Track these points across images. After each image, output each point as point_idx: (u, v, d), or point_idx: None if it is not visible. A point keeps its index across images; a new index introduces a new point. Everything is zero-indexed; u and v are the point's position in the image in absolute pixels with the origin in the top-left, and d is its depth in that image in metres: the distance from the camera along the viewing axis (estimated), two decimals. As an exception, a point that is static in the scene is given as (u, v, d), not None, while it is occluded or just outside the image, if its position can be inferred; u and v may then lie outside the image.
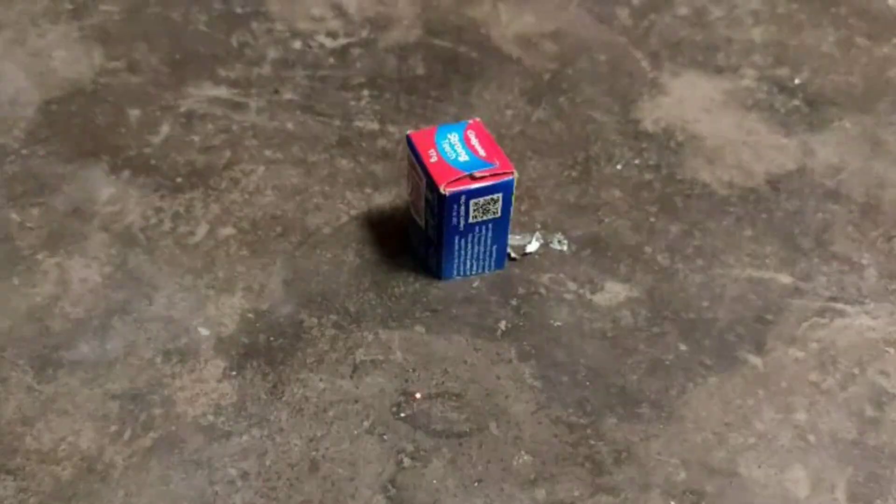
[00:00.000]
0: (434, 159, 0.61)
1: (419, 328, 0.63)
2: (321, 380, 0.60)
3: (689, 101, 0.81)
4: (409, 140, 0.63)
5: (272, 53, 0.84)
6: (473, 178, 0.60)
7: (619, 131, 0.78)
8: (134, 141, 0.76)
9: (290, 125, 0.78)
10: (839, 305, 0.65)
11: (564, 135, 0.78)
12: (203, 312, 0.63)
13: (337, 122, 0.78)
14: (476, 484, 0.55)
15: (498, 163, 0.61)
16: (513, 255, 0.67)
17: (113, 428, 0.57)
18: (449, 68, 0.84)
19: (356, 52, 0.85)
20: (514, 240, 0.68)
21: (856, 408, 0.59)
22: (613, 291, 0.66)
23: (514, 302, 0.65)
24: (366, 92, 0.81)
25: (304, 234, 0.69)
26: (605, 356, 0.62)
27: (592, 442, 0.57)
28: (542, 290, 0.65)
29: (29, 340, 0.61)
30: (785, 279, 0.67)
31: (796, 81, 0.83)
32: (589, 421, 0.58)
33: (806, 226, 0.71)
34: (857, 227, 0.71)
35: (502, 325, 0.63)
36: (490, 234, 0.63)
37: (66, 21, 0.87)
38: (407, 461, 0.56)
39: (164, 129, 0.77)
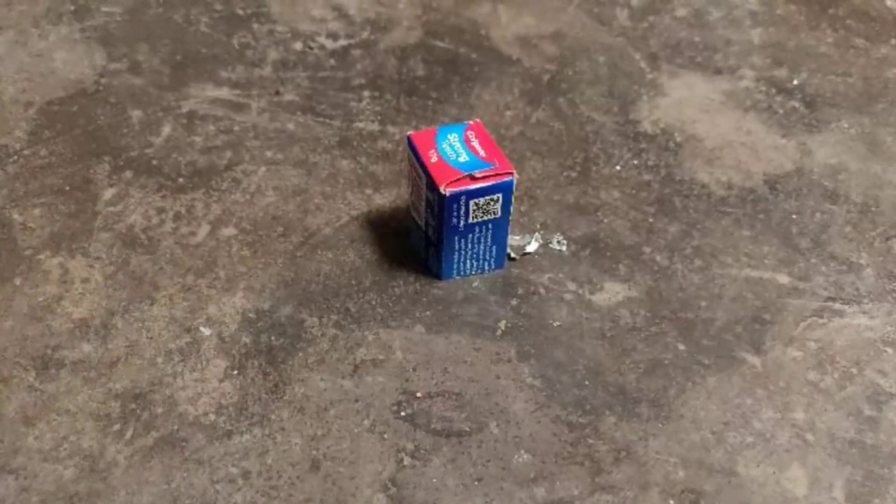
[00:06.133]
0: (434, 160, 0.61)
1: (419, 328, 0.63)
2: (322, 379, 0.60)
3: (687, 102, 0.82)
4: (409, 141, 0.63)
5: (273, 54, 0.85)
6: (474, 179, 0.60)
7: (618, 132, 0.78)
8: (136, 142, 0.76)
9: (290, 126, 0.78)
10: (837, 305, 0.65)
11: (564, 135, 0.78)
12: (204, 312, 0.63)
13: (337, 123, 0.78)
14: (476, 483, 0.55)
15: (498, 163, 0.61)
16: (512, 255, 0.67)
17: (115, 427, 0.57)
18: (449, 69, 0.84)
19: (357, 53, 0.85)
20: (513, 240, 0.68)
21: (854, 407, 0.60)
22: (612, 291, 0.66)
23: (513, 302, 0.65)
24: (366, 93, 0.81)
25: (304, 234, 0.69)
26: (604, 356, 0.62)
27: (591, 441, 0.57)
28: (542, 290, 0.66)
29: (31, 340, 0.61)
30: (783, 279, 0.67)
31: (794, 82, 0.84)
32: (588, 420, 0.58)
33: (804, 226, 0.71)
34: (855, 228, 0.71)
35: (502, 324, 0.63)
36: (490, 234, 0.63)
37: (68, 22, 0.88)
38: (407, 460, 0.56)
39: (166, 129, 0.77)
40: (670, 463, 0.56)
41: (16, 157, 0.74)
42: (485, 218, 0.62)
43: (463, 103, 0.81)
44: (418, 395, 0.59)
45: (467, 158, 0.61)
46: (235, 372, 0.60)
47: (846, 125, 0.80)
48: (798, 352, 0.63)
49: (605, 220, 0.71)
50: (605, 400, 0.59)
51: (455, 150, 0.62)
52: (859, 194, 0.74)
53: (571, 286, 0.66)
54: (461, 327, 0.63)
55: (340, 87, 0.82)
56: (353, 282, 0.66)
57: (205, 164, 0.74)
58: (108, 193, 0.72)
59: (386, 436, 0.57)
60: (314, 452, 0.56)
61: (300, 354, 0.61)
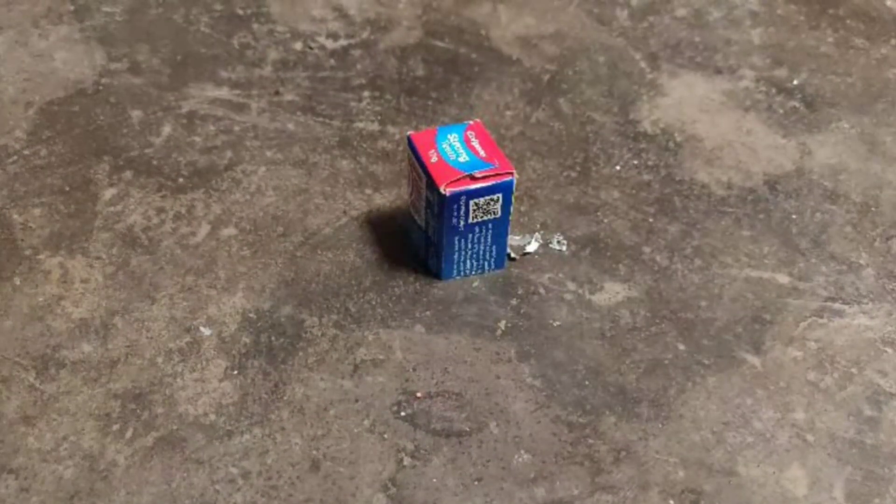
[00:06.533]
0: (434, 160, 0.61)
1: (419, 328, 0.63)
2: (322, 379, 0.60)
3: (687, 101, 0.82)
4: (409, 141, 0.63)
5: (273, 55, 0.85)
6: (473, 179, 0.60)
7: (618, 132, 0.78)
8: (136, 141, 0.76)
9: (290, 126, 0.78)
10: (837, 305, 0.65)
11: (564, 135, 0.78)
12: (205, 312, 0.63)
13: (337, 123, 0.78)
14: (476, 483, 0.55)
15: (498, 163, 0.61)
16: (513, 255, 0.67)
17: (115, 427, 0.57)
18: (449, 69, 0.84)
19: (357, 53, 0.85)
20: (513, 240, 0.68)
21: (854, 407, 0.60)
22: (612, 291, 0.66)
23: (513, 302, 0.65)
24: (366, 93, 0.81)
25: (304, 234, 0.69)
26: (604, 356, 0.62)
27: (591, 441, 0.57)
28: (542, 290, 0.66)
29: (31, 340, 0.61)
30: (783, 279, 0.67)
31: (794, 82, 0.84)
32: (588, 420, 0.58)
33: (804, 226, 0.71)
34: (855, 228, 0.71)
35: (502, 324, 0.63)
36: (490, 234, 0.63)
37: (68, 22, 0.88)
38: (407, 460, 0.56)
39: (166, 129, 0.77)
40: (670, 463, 0.56)
41: (16, 157, 0.74)
42: (485, 218, 0.62)
43: (463, 103, 0.81)
44: (418, 395, 0.59)
45: (467, 158, 0.61)
46: (235, 372, 0.60)
47: (846, 125, 0.80)
48: (798, 352, 0.63)
49: (605, 220, 0.71)
50: (605, 400, 0.59)
51: (455, 150, 0.62)
52: (859, 194, 0.74)
53: (571, 286, 0.66)
54: (461, 327, 0.63)
55: (340, 87, 0.82)
56: (353, 282, 0.66)
57: (205, 164, 0.74)
58: (108, 193, 0.72)
59: (386, 436, 0.57)
60: (314, 452, 0.56)
61: (300, 354, 0.61)
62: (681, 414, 0.59)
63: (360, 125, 0.78)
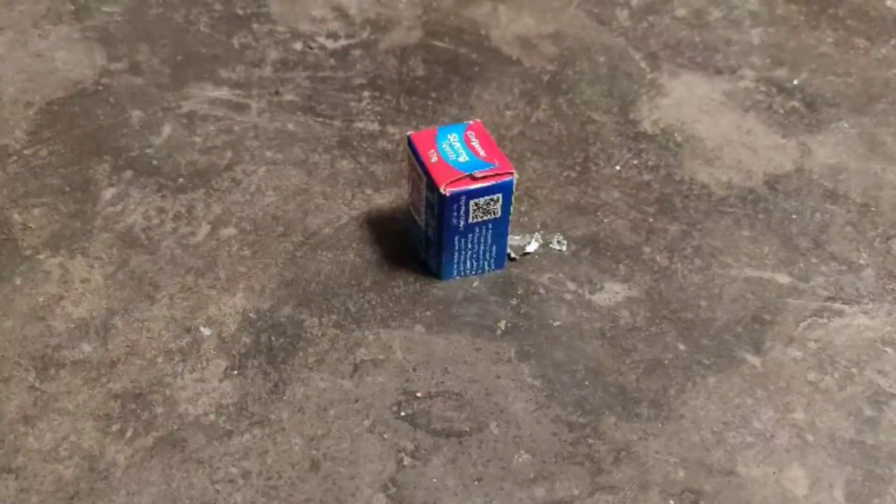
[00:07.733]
0: (434, 160, 0.61)
1: (419, 328, 0.63)
2: (322, 379, 0.60)
3: (687, 101, 0.82)
4: (409, 141, 0.63)
5: (273, 55, 0.85)
6: (474, 179, 0.60)
7: (618, 132, 0.78)
8: (136, 142, 0.76)
9: (290, 126, 0.78)
10: (837, 305, 0.65)
11: (564, 135, 0.78)
12: (205, 312, 0.63)
13: (337, 123, 0.78)
14: (476, 483, 0.55)
15: (498, 163, 0.61)
16: (513, 255, 0.67)
17: (115, 427, 0.57)
18: (449, 69, 0.84)
19: (357, 53, 0.85)
20: (513, 240, 0.68)
21: (854, 407, 0.60)
22: (612, 291, 0.66)
23: (513, 302, 0.65)
24: (366, 93, 0.81)
25: (304, 234, 0.69)
26: (604, 356, 0.62)
27: (591, 441, 0.57)
28: (542, 290, 0.66)
29: (31, 340, 0.61)
30: (783, 279, 0.67)
31: (794, 82, 0.84)
32: (588, 420, 0.58)
33: (804, 226, 0.71)
34: (855, 228, 0.71)
35: (502, 324, 0.63)
36: (490, 234, 0.63)
37: (68, 22, 0.88)
38: (407, 460, 0.56)
39: (166, 129, 0.77)
40: (670, 463, 0.56)
41: (16, 157, 0.74)
42: (485, 218, 0.62)
43: (463, 103, 0.81)
44: (418, 395, 0.59)
45: (467, 158, 0.61)
46: (235, 372, 0.60)
47: (846, 125, 0.80)
48: (798, 352, 0.63)
49: (605, 220, 0.71)
50: (605, 400, 0.59)
51: (455, 150, 0.62)
52: (859, 194, 0.74)
53: (571, 286, 0.66)
54: (461, 327, 0.63)
55: (340, 87, 0.82)
56: (353, 282, 0.66)
57: (205, 164, 0.74)
58: (108, 193, 0.72)
59: (386, 436, 0.57)
60: (314, 452, 0.56)
61: (300, 354, 0.61)
62: (681, 414, 0.59)
63: (360, 125, 0.78)
